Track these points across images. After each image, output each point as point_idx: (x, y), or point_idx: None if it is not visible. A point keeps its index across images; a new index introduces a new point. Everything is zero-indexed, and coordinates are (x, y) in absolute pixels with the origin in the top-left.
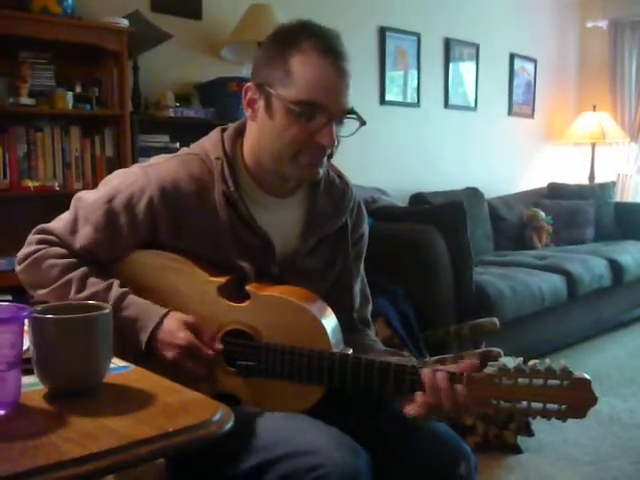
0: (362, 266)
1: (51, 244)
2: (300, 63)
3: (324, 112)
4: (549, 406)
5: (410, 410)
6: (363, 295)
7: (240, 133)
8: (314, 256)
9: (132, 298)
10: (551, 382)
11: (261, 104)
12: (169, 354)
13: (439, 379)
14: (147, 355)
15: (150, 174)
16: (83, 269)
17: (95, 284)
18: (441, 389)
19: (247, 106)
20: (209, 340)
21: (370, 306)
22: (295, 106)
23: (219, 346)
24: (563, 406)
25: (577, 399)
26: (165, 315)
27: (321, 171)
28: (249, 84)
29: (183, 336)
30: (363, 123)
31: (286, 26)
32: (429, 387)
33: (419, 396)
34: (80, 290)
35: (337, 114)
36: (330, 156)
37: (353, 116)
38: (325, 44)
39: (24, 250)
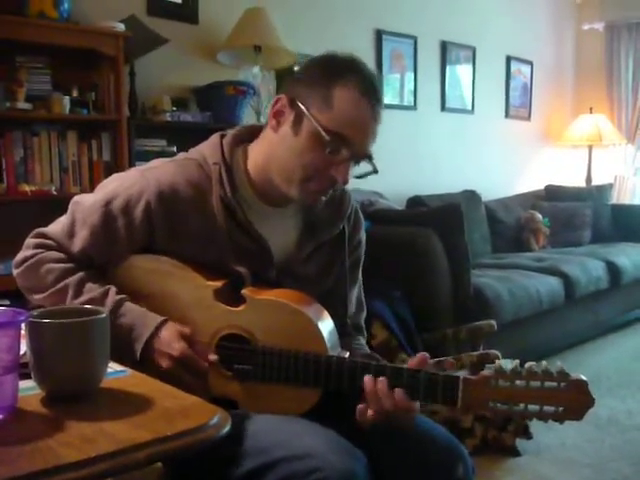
0: (360, 273)
1: (48, 248)
2: (342, 95)
3: (349, 149)
4: (546, 408)
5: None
6: (358, 302)
7: (241, 140)
8: (311, 262)
9: (128, 305)
10: (548, 384)
11: (289, 119)
12: (164, 364)
13: (378, 385)
14: (143, 363)
15: (148, 178)
16: (80, 274)
17: (92, 290)
18: (381, 397)
19: (272, 116)
20: (204, 351)
21: (364, 313)
22: (326, 134)
23: (214, 357)
24: (560, 408)
25: (574, 401)
26: (161, 324)
27: (323, 199)
28: (281, 95)
29: (178, 347)
30: (375, 172)
31: (337, 56)
32: (369, 395)
33: (363, 407)
34: (76, 296)
35: (359, 155)
36: (335, 191)
37: (368, 161)
38: (370, 87)
39: (21, 254)
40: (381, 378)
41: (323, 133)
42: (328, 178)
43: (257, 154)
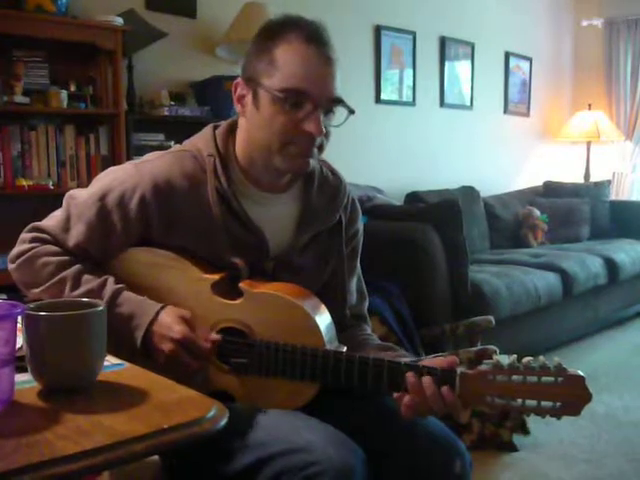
0: (358, 263)
1: (44, 242)
2: (284, 52)
3: (309, 99)
4: (543, 403)
5: (402, 411)
6: (359, 292)
7: (232, 130)
8: (308, 253)
9: (127, 295)
10: (545, 379)
11: (249, 98)
12: (165, 347)
13: (425, 384)
14: (143, 351)
15: (142, 171)
16: (77, 267)
17: (89, 281)
18: (427, 394)
19: (237, 102)
20: (205, 333)
21: (367, 302)
22: (279, 93)
23: (216, 336)
24: (557, 403)
25: (571, 396)
26: (161, 309)
27: (312, 162)
28: (238, 80)
29: (179, 329)
30: (352, 112)
31: (272, 20)
32: (414, 391)
33: (405, 398)
34: (74, 288)
35: (323, 102)
36: (321, 148)
37: (341, 106)
38: (309, 33)
39: (17, 248)
40: (426, 378)
41: (276, 93)
42: (304, 136)
43: (239, 141)
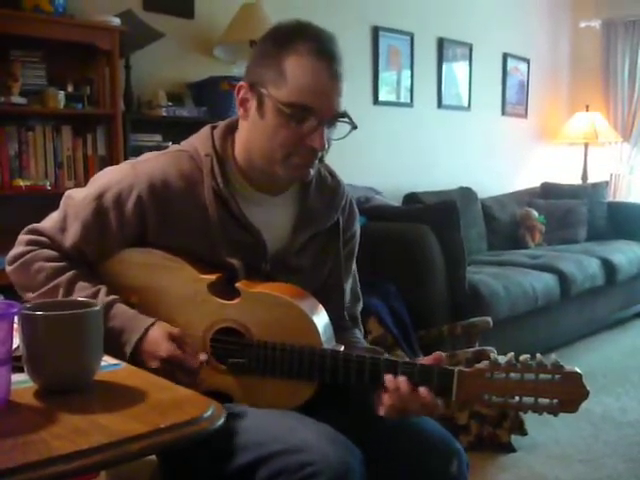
0: (354, 265)
1: (41, 245)
2: (294, 64)
3: (315, 115)
4: (541, 401)
5: (380, 411)
6: (353, 293)
7: (231, 131)
8: (305, 254)
9: (118, 308)
10: (542, 376)
11: (253, 103)
12: (153, 365)
13: (400, 384)
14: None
15: (139, 171)
16: (71, 273)
17: (82, 290)
18: (403, 394)
19: (239, 105)
20: (195, 350)
21: (360, 304)
22: (286, 107)
23: (204, 357)
24: (555, 400)
25: (569, 393)
26: (150, 326)
27: (312, 172)
28: (242, 83)
29: (165, 348)
30: (354, 127)
31: (283, 25)
32: (391, 391)
33: (385, 398)
34: (67, 296)
35: (328, 118)
36: (321, 158)
37: (345, 119)
38: (320, 46)
39: (14, 251)
40: (401, 378)
41: (283, 108)
42: (307, 149)
43: (239, 143)
